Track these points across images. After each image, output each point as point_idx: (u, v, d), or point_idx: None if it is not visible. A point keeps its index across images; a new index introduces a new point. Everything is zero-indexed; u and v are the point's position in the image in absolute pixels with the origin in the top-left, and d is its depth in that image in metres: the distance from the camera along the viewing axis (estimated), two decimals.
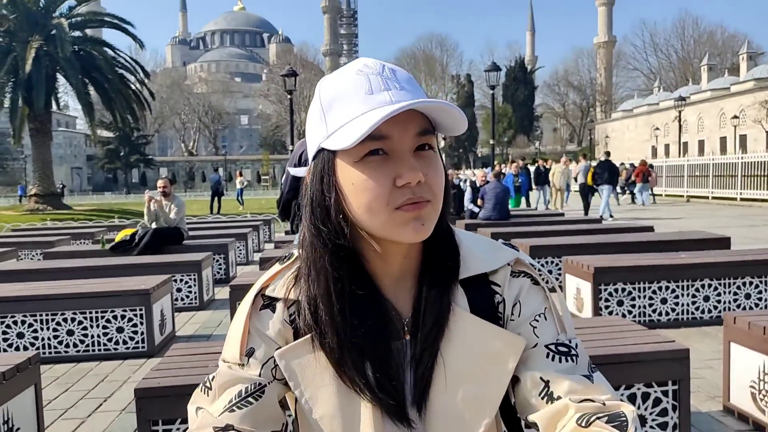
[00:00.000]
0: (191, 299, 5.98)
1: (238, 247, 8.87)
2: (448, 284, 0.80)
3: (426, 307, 0.79)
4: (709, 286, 4.76)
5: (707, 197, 21.45)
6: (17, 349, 4.28)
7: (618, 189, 18.56)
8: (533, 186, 18.37)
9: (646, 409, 2.50)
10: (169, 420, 2.21)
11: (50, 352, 4.32)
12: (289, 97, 21.37)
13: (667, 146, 54.38)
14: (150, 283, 4.58)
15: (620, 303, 4.68)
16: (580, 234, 7.42)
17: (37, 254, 8.93)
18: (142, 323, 4.40)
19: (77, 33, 24.45)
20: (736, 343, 2.97)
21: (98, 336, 4.38)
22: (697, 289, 4.75)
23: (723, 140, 47.77)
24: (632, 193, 21.11)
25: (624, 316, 4.62)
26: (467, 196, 10.76)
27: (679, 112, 34.56)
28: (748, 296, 4.78)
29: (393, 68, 0.77)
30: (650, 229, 8.08)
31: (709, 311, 4.75)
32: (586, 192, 15.56)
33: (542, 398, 0.76)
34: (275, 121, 73.72)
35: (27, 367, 2.67)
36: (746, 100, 44.12)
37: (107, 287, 4.54)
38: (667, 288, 4.72)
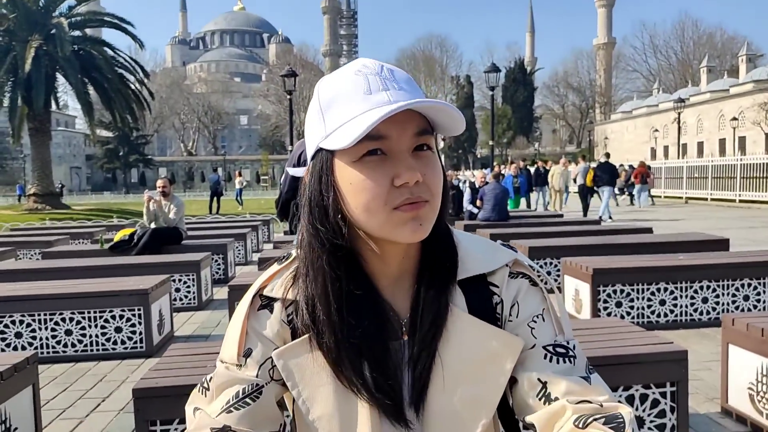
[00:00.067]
0: (190, 299, 5.98)
1: (236, 247, 8.86)
2: (446, 285, 0.80)
3: (424, 307, 0.79)
4: (708, 287, 4.76)
5: (706, 199, 21.47)
6: (15, 348, 4.27)
7: (616, 190, 18.58)
8: (533, 187, 18.39)
9: (644, 411, 2.50)
10: (167, 420, 2.21)
11: (48, 352, 4.32)
12: (288, 97, 21.39)
13: (666, 148, 54.44)
14: (148, 283, 4.58)
15: (619, 304, 4.68)
16: (579, 235, 7.42)
17: (35, 254, 8.92)
18: (140, 323, 4.40)
19: (77, 32, 24.44)
20: (735, 344, 2.97)
21: (96, 336, 4.37)
22: (695, 291, 4.75)
23: (722, 142, 47.85)
24: (631, 195, 21.13)
25: (622, 317, 4.63)
26: (466, 197, 10.76)
27: (679, 113, 34.59)
28: (746, 298, 4.79)
29: (391, 69, 0.77)
30: (649, 230, 8.09)
31: (708, 313, 4.76)
32: (585, 193, 15.57)
33: (540, 399, 0.76)
34: (275, 122, 73.72)
35: (25, 366, 2.67)
36: (745, 102, 44.19)
37: (106, 287, 4.53)
38: (665, 289, 4.72)
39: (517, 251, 0.86)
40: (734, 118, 41.08)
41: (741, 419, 2.94)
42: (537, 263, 6.24)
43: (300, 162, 3.72)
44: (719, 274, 4.77)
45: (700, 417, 3.03)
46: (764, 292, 4.80)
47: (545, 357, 0.78)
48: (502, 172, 17.64)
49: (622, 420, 0.70)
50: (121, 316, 4.39)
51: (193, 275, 5.96)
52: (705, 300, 4.76)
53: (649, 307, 4.71)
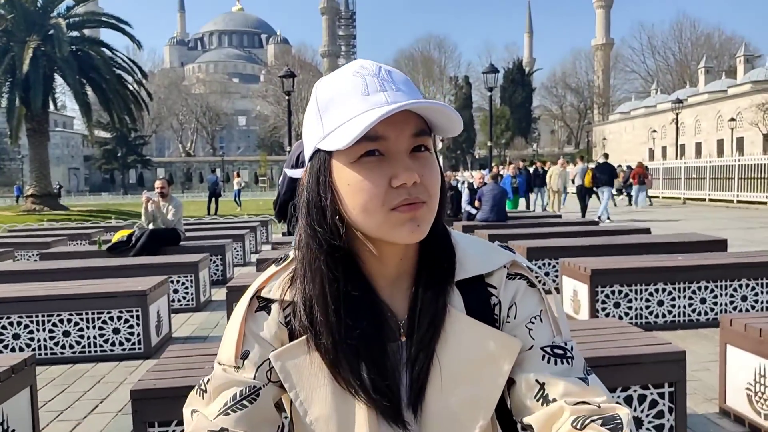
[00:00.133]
0: (188, 300, 5.97)
1: (235, 248, 8.86)
2: (444, 286, 0.80)
3: (422, 308, 0.79)
4: (706, 288, 4.77)
5: (704, 199, 21.50)
6: (13, 350, 4.27)
7: (614, 191, 18.63)
8: (532, 188, 18.42)
9: (642, 411, 2.50)
10: (165, 422, 2.21)
11: (46, 354, 4.31)
12: (287, 98, 21.37)
13: (664, 148, 54.50)
14: (146, 284, 4.58)
15: (617, 305, 4.69)
16: (577, 236, 7.43)
17: (33, 255, 8.91)
18: (138, 324, 4.39)
19: (75, 33, 24.42)
20: (733, 345, 2.97)
21: (94, 337, 4.36)
22: (693, 291, 4.76)
23: (720, 143, 47.92)
24: (629, 195, 21.17)
25: (621, 318, 4.63)
26: (465, 197, 10.77)
27: (677, 114, 34.66)
28: (744, 298, 4.80)
29: (389, 70, 0.77)
30: (647, 231, 8.10)
31: (706, 313, 4.76)
32: (584, 194, 15.58)
33: (537, 400, 0.76)
34: (273, 122, 73.70)
35: (22, 368, 2.66)
36: (743, 103, 44.28)
37: (104, 288, 4.53)
38: (663, 290, 4.73)
39: (515, 252, 0.86)
40: (732, 119, 41.14)
41: (739, 420, 2.94)
42: (535, 264, 6.26)
43: (298, 163, 3.72)
44: (717, 275, 4.78)
45: (698, 417, 3.03)
46: (762, 292, 4.81)
47: (543, 358, 0.78)
48: (501, 172, 17.65)
49: (620, 421, 0.70)
50: (119, 318, 4.38)
51: (191, 276, 5.95)
52: (703, 300, 4.77)
53: (647, 307, 4.72)
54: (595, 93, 79.70)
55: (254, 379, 0.79)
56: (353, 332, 0.76)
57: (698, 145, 50.92)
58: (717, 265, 4.86)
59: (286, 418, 0.86)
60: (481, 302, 0.81)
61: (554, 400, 0.74)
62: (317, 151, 0.77)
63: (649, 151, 56.21)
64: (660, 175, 24.59)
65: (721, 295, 4.78)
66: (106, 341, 4.38)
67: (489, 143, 21.93)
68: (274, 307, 0.82)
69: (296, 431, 0.83)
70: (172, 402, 2.06)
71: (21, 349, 4.28)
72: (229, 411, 0.77)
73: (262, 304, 0.83)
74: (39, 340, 4.31)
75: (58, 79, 24.15)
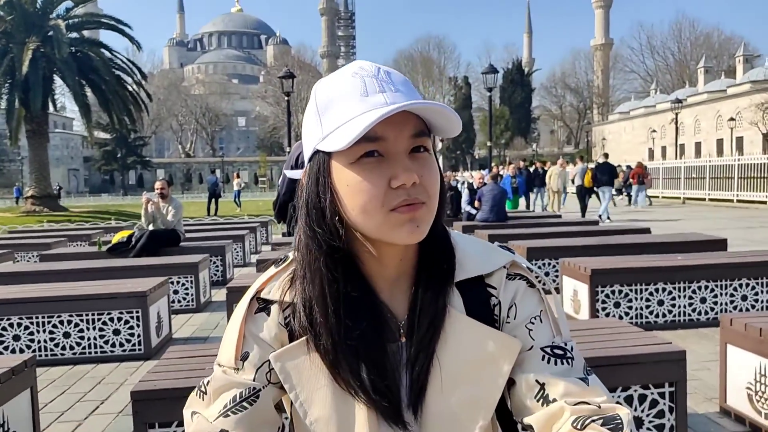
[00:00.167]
0: (188, 301, 5.97)
1: (235, 249, 8.86)
2: (444, 286, 0.80)
3: (422, 309, 0.79)
4: (706, 287, 4.77)
5: (704, 199, 21.51)
6: (13, 351, 4.26)
7: (614, 191, 18.63)
8: (533, 188, 18.43)
9: (642, 411, 2.50)
10: (166, 423, 2.21)
11: (46, 355, 4.31)
12: (286, 98, 21.37)
13: (663, 148, 54.53)
14: (147, 285, 4.57)
15: (617, 305, 4.69)
16: (577, 236, 7.43)
17: (33, 256, 8.91)
18: (138, 325, 4.39)
19: (74, 34, 24.43)
20: (733, 344, 2.97)
21: (95, 338, 4.36)
22: (693, 291, 4.76)
23: (719, 142, 47.95)
24: (629, 195, 21.18)
25: (621, 317, 4.63)
26: (464, 198, 10.77)
27: (676, 114, 34.68)
28: (744, 298, 4.80)
29: (388, 71, 0.77)
30: (647, 231, 8.09)
31: (706, 313, 4.76)
32: (583, 194, 15.58)
33: (538, 401, 0.76)
34: (273, 123, 73.72)
35: (23, 369, 2.66)
36: (742, 103, 44.31)
37: (104, 289, 4.52)
38: (663, 290, 4.73)
39: (515, 253, 0.86)
40: (732, 119, 41.17)
41: (739, 419, 2.94)
42: (535, 264, 6.26)
43: (298, 163, 3.72)
44: (717, 275, 4.78)
45: (698, 417, 3.03)
46: (762, 292, 4.81)
47: (543, 358, 0.78)
48: (501, 172, 17.65)
49: (620, 421, 0.71)
50: (120, 319, 4.38)
51: (191, 277, 5.95)
52: (703, 300, 4.77)
53: (647, 307, 4.72)
54: (595, 93, 79.73)
55: (254, 380, 0.79)
56: (353, 333, 0.76)
57: (698, 145, 50.96)
58: (717, 264, 4.86)
59: (286, 418, 0.86)
60: (480, 303, 0.81)
61: (554, 400, 0.74)
62: (316, 152, 0.77)
63: (648, 151, 56.24)
64: (660, 175, 24.59)
65: (721, 294, 4.78)
66: (106, 342, 4.38)
67: (488, 143, 21.93)
68: (274, 308, 0.82)
69: None
70: (172, 403, 2.06)
71: (21, 351, 4.27)
72: (229, 413, 0.77)
73: (262, 305, 0.83)
74: (39, 342, 4.31)
75: (58, 81, 24.17)
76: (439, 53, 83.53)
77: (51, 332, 4.32)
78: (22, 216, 21.56)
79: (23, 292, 4.52)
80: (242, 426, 0.77)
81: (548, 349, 0.78)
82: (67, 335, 4.34)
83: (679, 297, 4.74)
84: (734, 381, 2.98)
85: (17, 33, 22.29)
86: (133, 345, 4.39)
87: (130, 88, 24.95)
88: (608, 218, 14.21)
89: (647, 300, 4.71)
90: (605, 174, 14.73)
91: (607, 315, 4.63)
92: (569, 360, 0.78)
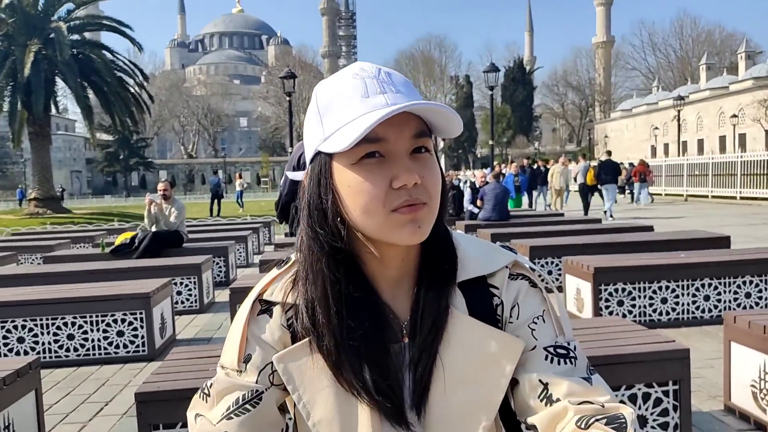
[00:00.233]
0: (191, 302, 5.98)
1: (237, 250, 8.87)
2: (446, 287, 0.80)
3: (424, 309, 0.79)
4: (710, 285, 4.76)
5: (707, 196, 21.46)
6: (18, 353, 4.28)
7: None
8: (536, 186, 18.42)
9: (647, 410, 2.50)
10: (170, 424, 2.21)
11: (51, 357, 4.32)
12: (288, 99, 21.38)
13: (666, 145, 54.42)
14: (150, 286, 4.58)
15: (620, 303, 4.68)
16: (580, 234, 7.42)
17: (36, 258, 8.93)
18: (142, 327, 4.40)
19: (76, 36, 24.48)
20: (737, 342, 2.97)
21: (98, 340, 4.37)
22: (697, 289, 4.75)
23: (722, 139, 47.83)
24: (632, 193, 21.14)
25: (624, 316, 4.62)
26: (467, 196, 10.76)
27: (678, 111, 34.59)
28: (748, 295, 4.78)
29: (389, 72, 0.77)
30: (650, 228, 8.08)
31: (710, 310, 4.75)
32: (586, 192, 15.54)
33: (541, 401, 0.76)
34: (274, 123, 73.76)
35: (27, 371, 2.67)
36: (745, 99, 44.17)
37: (107, 291, 4.53)
38: (667, 288, 4.72)
39: (517, 253, 0.86)
40: (734, 115, 41.03)
41: (744, 417, 2.93)
42: (538, 262, 6.26)
43: (299, 164, 3.72)
44: (721, 272, 4.77)
45: (703, 415, 3.03)
46: (766, 289, 4.80)
47: (546, 358, 0.78)
48: (503, 171, 17.63)
49: (624, 420, 0.71)
50: (123, 320, 4.39)
51: (194, 278, 5.96)
52: (707, 298, 4.76)
53: (650, 305, 4.71)
54: (597, 91, 79.58)
55: (256, 383, 0.79)
56: (355, 334, 0.76)
57: (700, 142, 50.81)
58: (720, 262, 4.85)
59: (290, 419, 0.86)
60: (483, 303, 0.81)
61: (558, 399, 0.75)
62: (318, 153, 0.77)
63: (651, 149, 56.12)
64: (662, 173, 24.53)
65: (724, 292, 4.77)
66: (110, 344, 4.39)
67: (490, 142, 21.92)
68: (276, 309, 0.82)
69: None
70: (176, 404, 2.06)
71: (26, 353, 4.29)
72: (232, 415, 0.77)
73: (265, 307, 0.83)
74: (43, 344, 4.33)
75: (60, 83, 24.24)
76: (441, 52, 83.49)
77: (55, 334, 4.34)
78: (26, 218, 21.60)
79: (27, 294, 4.53)
80: (245, 428, 0.77)
81: (551, 349, 0.78)
82: (71, 337, 4.35)
83: (683, 295, 4.73)
84: (738, 379, 2.97)
85: (19, 35, 22.34)
86: (137, 346, 4.40)
87: (132, 90, 25.00)
88: (611, 216, 14.18)
89: (650, 298, 4.71)
90: (609, 172, 14.65)
91: (611, 313, 4.62)
92: (572, 359, 0.78)
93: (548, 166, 19.05)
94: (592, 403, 0.73)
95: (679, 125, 35.61)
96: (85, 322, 4.36)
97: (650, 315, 4.71)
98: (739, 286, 4.78)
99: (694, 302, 4.75)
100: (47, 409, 3.37)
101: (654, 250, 5.78)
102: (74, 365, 4.32)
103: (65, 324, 4.34)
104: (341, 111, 0.74)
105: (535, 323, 0.80)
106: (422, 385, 0.77)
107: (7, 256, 8.02)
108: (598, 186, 15.08)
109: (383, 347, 0.78)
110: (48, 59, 21.99)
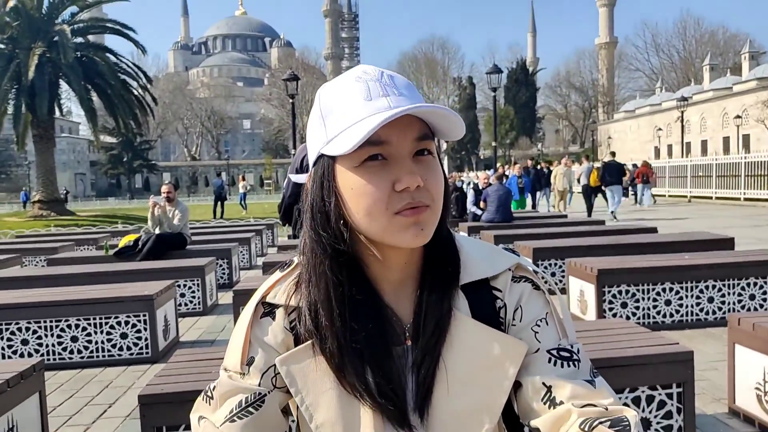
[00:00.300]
0: (195, 304, 5.99)
1: (241, 252, 8.88)
2: (449, 289, 0.80)
3: (427, 312, 0.79)
4: (714, 287, 4.74)
5: (711, 197, 21.40)
6: (22, 355, 4.29)
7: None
8: (541, 187, 18.39)
9: (650, 412, 2.49)
10: (173, 426, 2.21)
11: (54, 359, 4.33)
12: (291, 101, 21.41)
13: (669, 147, 54.27)
14: (153, 288, 4.59)
15: (624, 305, 4.67)
16: (584, 236, 7.41)
17: (40, 260, 8.96)
18: (145, 329, 4.41)
19: (79, 39, 24.55)
20: (741, 344, 2.96)
21: (102, 342, 4.38)
22: (701, 291, 4.73)
23: (726, 140, 47.69)
24: (635, 194, 21.10)
25: (628, 318, 4.61)
26: (470, 198, 10.76)
27: (682, 112, 34.50)
28: (752, 297, 4.77)
29: (391, 75, 0.77)
30: (654, 230, 8.07)
31: (714, 312, 4.74)
32: (589, 193, 15.50)
33: (544, 403, 0.76)
34: (277, 125, 73.88)
35: (31, 373, 2.68)
36: (749, 100, 44.05)
37: (111, 293, 4.54)
38: (671, 289, 4.71)
39: (520, 255, 0.86)
40: (738, 116, 40.94)
41: (749, 420, 2.92)
42: (541, 264, 6.24)
43: (302, 166, 3.72)
44: (725, 274, 4.75)
45: (707, 418, 3.02)
46: None
47: (549, 361, 0.77)
48: (506, 172, 17.61)
49: (627, 423, 0.70)
50: (127, 322, 4.40)
51: (197, 280, 5.97)
52: (711, 300, 4.74)
53: (654, 307, 4.70)
54: (600, 92, 79.43)
55: (259, 385, 0.80)
56: (358, 336, 0.76)
57: (704, 143, 50.67)
58: (724, 263, 4.83)
59: (293, 421, 0.86)
60: (486, 305, 0.81)
61: (561, 402, 0.74)
62: (321, 156, 0.77)
63: (654, 150, 56.01)
64: (666, 174, 24.48)
65: (729, 294, 4.75)
66: (113, 346, 4.39)
67: (493, 143, 21.91)
68: (279, 312, 0.82)
69: None
70: (179, 407, 2.06)
71: (30, 355, 4.30)
72: (235, 418, 0.78)
73: (268, 309, 0.83)
74: (47, 346, 4.34)
75: (64, 85, 24.30)
76: (443, 54, 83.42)
77: (59, 336, 4.35)
78: (30, 220, 21.67)
79: (31, 297, 4.55)
80: (248, 431, 0.77)
81: (554, 352, 0.78)
82: (74, 339, 4.36)
83: (687, 297, 4.72)
84: (743, 381, 2.96)
85: (23, 39, 22.43)
86: (141, 348, 4.41)
87: (136, 92, 25.07)
88: (615, 218, 14.15)
89: (654, 300, 4.70)
90: (613, 173, 14.57)
91: (614, 315, 4.61)
92: (576, 362, 0.78)
93: (552, 168, 19.01)
94: (595, 405, 0.73)
95: (682, 126, 35.53)
96: (89, 325, 4.37)
97: (654, 317, 4.70)
98: (743, 288, 4.76)
99: (698, 304, 4.73)
100: (51, 411, 3.38)
101: (658, 251, 5.77)
102: (78, 367, 4.32)
103: (69, 326, 4.35)
104: (344, 114, 0.74)
105: (538, 326, 0.80)
106: (425, 388, 0.77)
107: (11, 259, 8.05)
108: (603, 188, 15.02)
109: (386, 350, 0.78)
110: (52, 62, 22.06)
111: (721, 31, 70.77)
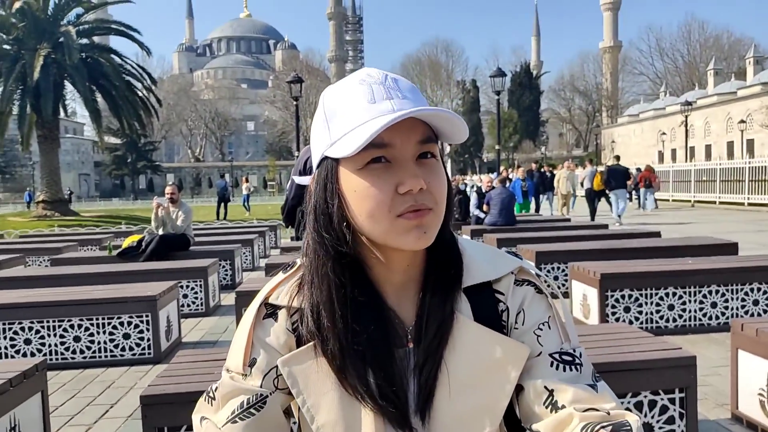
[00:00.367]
0: (197, 305, 5.99)
1: (244, 253, 8.88)
2: (452, 292, 0.80)
3: (429, 314, 0.79)
4: (717, 292, 4.73)
5: (714, 202, 21.34)
6: (24, 355, 4.30)
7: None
8: (545, 191, 18.36)
9: (653, 417, 2.49)
10: (175, 427, 2.22)
11: (57, 359, 4.34)
12: (295, 103, 21.44)
13: (673, 151, 54.18)
14: (156, 289, 4.60)
15: (627, 309, 4.66)
16: (587, 240, 7.39)
17: (44, 261, 8.98)
18: (148, 329, 4.41)
19: (85, 40, 24.62)
20: (744, 350, 2.95)
21: (105, 342, 4.39)
22: (704, 296, 4.72)
23: (730, 145, 47.59)
24: (638, 198, 21.07)
25: (631, 322, 4.60)
26: (473, 201, 10.75)
27: (686, 116, 34.45)
28: (756, 302, 4.75)
29: (395, 77, 0.78)
30: (657, 234, 8.04)
31: (717, 318, 4.72)
32: (593, 197, 15.45)
33: (546, 407, 0.76)
34: (281, 127, 74.03)
35: (34, 373, 2.68)
36: (753, 105, 43.98)
37: (114, 294, 4.55)
38: (674, 294, 4.69)
39: (522, 258, 0.86)
40: (742, 121, 40.82)
41: (752, 425, 2.91)
42: (544, 268, 6.24)
43: (306, 168, 3.73)
44: (728, 279, 4.74)
45: (709, 423, 3.01)
46: None
47: (551, 365, 0.77)
48: (510, 176, 17.59)
49: (629, 428, 0.70)
50: (129, 323, 4.40)
51: (200, 281, 5.98)
52: (714, 305, 4.73)
53: (657, 312, 4.69)
54: (604, 96, 79.34)
55: (261, 386, 0.80)
56: (360, 338, 0.76)
57: (708, 148, 50.58)
58: (728, 268, 4.82)
59: (294, 423, 0.86)
60: (488, 309, 0.81)
61: (563, 406, 0.74)
62: (325, 158, 0.77)
63: (658, 154, 55.92)
64: (670, 178, 24.43)
65: (732, 299, 4.74)
66: (116, 346, 4.40)
67: (497, 147, 21.86)
68: (282, 313, 0.83)
69: None
70: (181, 407, 2.06)
71: (32, 354, 4.31)
72: (236, 419, 0.78)
73: (270, 311, 0.83)
74: (50, 345, 4.34)
75: (68, 86, 24.35)
76: (447, 57, 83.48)
77: (62, 336, 4.36)
78: (34, 220, 21.72)
79: (34, 297, 4.56)
80: (250, 431, 0.77)
81: (557, 356, 0.78)
82: (77, 339, 4.37)
83: (690, 301, 4.71)
84: (746, 387, 2.95)
85: (28, 39, 22.50)
86: (143, 349, 4.41)
87: (140, 94, 25.11)
88: (620, 222, 14.10)
89: (657, 304, 4.68)
90: (617, 177, 14.48)
91: (617, 320, 4.60)
92: (578, 366, 0.78)
93: (555, 172, 18.99)
94: (597, 410, 0.73)
95: (686, 131, 35.48)
96: (92, 325, 4.38)
97: (657, 322, 4.69)
98: (746, 293, 4.75)
99: (701, 309, 4.72)
100: (53, 410, 3.38)
101: (661, 256, 5.75)
102: (80, 367, 4.33)
103: (72, 326, 4.36)
104: (348, 116, 0.74)
105: (541, 329, 0.80)
106: (427, 390, 0.77)
107: (14, 259, 8.06)
108: (607, 192, 14.95)
109: (388, 352, 0.78)
110: (57, 63, 22.13)
111: (725, 36, 70.74)
